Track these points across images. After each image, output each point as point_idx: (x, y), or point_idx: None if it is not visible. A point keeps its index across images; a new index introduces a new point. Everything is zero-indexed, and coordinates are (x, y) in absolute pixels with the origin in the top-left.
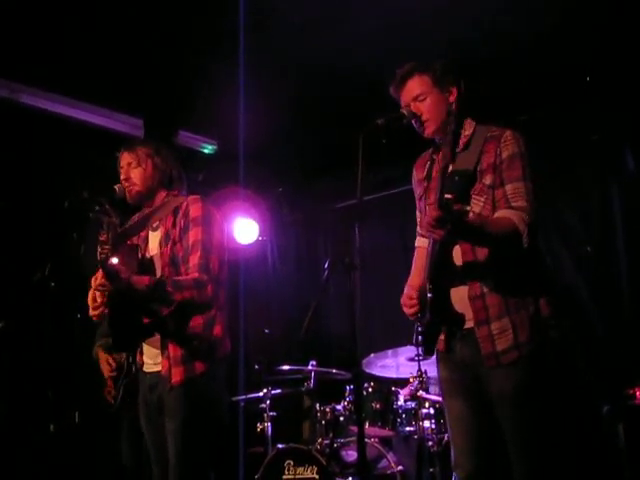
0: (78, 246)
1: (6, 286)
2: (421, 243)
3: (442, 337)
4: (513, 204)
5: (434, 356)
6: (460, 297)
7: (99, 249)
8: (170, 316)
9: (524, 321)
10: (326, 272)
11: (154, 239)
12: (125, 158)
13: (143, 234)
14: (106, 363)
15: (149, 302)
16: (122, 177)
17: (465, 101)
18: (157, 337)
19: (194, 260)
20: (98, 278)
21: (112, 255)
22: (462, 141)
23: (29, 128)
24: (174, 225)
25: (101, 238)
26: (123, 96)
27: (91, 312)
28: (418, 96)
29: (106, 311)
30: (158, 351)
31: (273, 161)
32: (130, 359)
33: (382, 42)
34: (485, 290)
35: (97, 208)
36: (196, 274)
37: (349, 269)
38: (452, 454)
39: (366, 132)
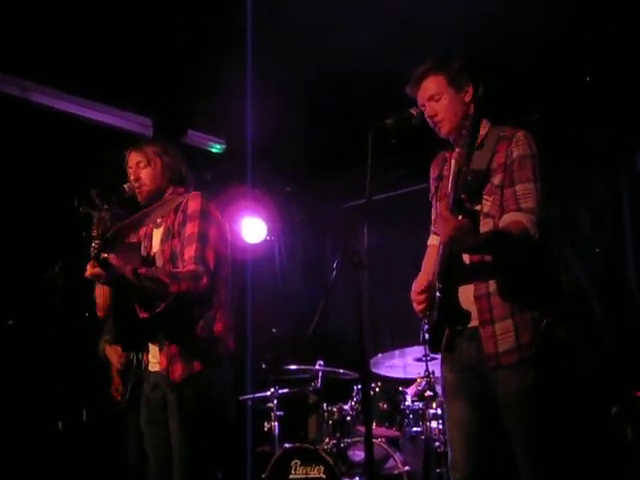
0: (87, 244)
1: (16, 284)
2: (434, 241)
3: (446, 336)
4: (522, 205)
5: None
6: (467, 296)
7: (91, 244)
8: (168, 310)
9: (527, 323)
10: (334, 271)
11: (157, 236)
12: (134, 158)
13: (148, 232)
14: (116, 354)
15: (145, 294)
16: (132, 177)
17: (483, 102)
18: (160, 335)
19: (189, 253)
20: (89, 268)
21: (104, 250)
22: (477, 141)
23: (39, 126)
24: (174, 221)
25: (93, 233)
26: (132, 95)
27: (99, 312)
28: (433, 96)
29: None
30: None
31: (281, 160)
32: (138, 357)
33: (390, 41)
34: (491, 290)
35: (88, 203)
36: (192, 266)
37: (357, 269)
38: (449, 456)
39: (375, 132)
